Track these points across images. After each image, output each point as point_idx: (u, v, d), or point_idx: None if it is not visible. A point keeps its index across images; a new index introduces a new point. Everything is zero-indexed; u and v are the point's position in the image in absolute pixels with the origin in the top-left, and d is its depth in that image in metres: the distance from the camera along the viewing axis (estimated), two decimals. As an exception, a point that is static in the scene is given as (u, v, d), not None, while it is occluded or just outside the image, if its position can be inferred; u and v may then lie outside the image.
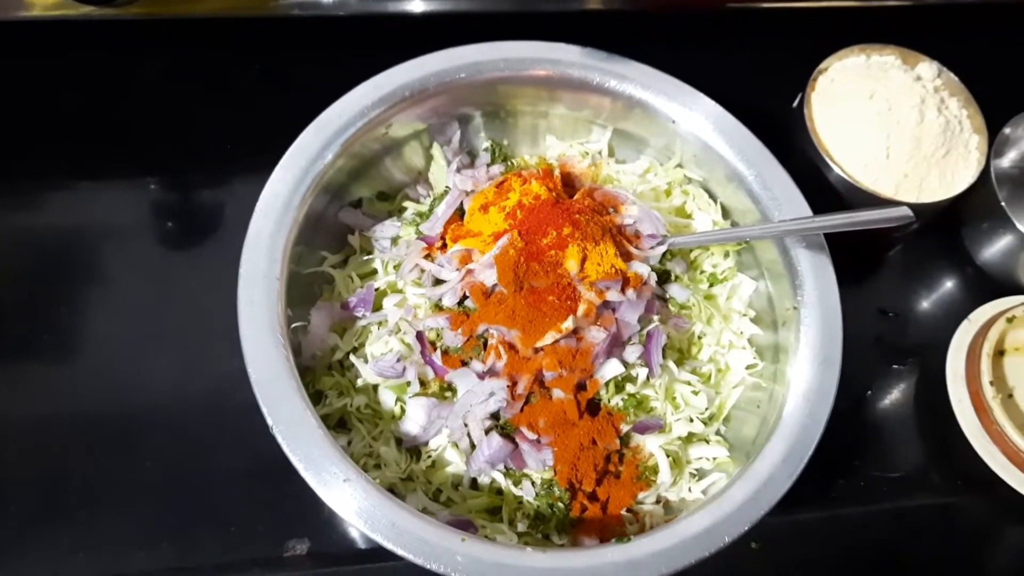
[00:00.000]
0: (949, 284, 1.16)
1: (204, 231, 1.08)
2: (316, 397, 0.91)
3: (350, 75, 0.96)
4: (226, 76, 1.17)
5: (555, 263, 0.87)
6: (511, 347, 0.86)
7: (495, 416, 0.87)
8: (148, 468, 0.93)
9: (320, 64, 1.10)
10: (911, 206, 0.95)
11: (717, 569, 0.81)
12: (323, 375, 0.92)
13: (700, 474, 0.92)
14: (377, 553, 0.76)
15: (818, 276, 0.91)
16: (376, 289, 0.94)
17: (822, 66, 1.13)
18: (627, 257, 0.91)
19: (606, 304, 0.88)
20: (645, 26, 1.24)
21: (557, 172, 0.98)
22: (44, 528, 0.89)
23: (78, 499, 0.90)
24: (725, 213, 1.02)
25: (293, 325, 0.88)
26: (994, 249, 1.12)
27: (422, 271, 0.93)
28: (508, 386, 0.85)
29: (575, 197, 0.95)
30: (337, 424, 0.91)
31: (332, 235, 0.98)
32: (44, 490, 0.91)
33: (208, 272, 0.91)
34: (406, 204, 1.01)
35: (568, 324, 0.85)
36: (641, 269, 0.90)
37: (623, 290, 0.88)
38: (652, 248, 0.94)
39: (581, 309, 0.86)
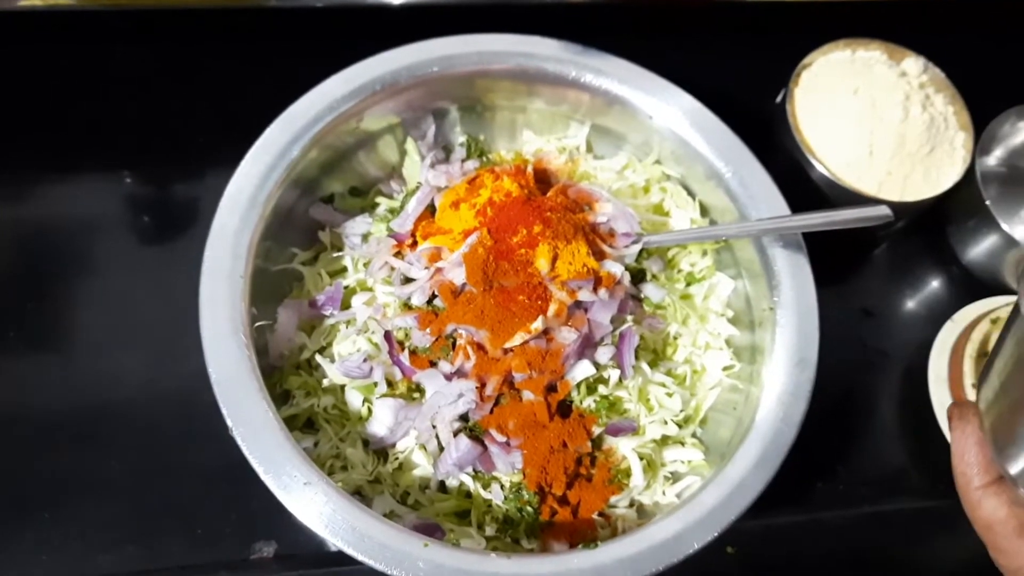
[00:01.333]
0: (934, 284, 1.14)
1: (177, 225, 1.06)
2: (284, 397, 0.89)
3: (329, 67, 0.94)
4: (201, 68, 1.15)
5: (525, 262, 0.85)
6: (480, 348, 0.84)
7: (464, 418, 0.85)
8: (114, 467, 0.91)
9: (299, 56, 1.08)
10: (894, 204, 0.93)
11: (691, 574, 0.79)
12: (290, 375, 0.90)
13: (675, 477, 0.90)
14: (345, 557, 0.74)
15: (795, 276, 0.90)
16: (345, 287, 0.92)
17: (806, 61, 1.11)
18: (600, 256, 0.89)
19: (578, 304, 0.86)
20: (627, 19, 1.22)
21: (530, 168, 0.96)
22: (6, 528, 0.87)
23: (42, 499, 0.89)
24: (704, 211, 1.00)
25: (259, 324, 0.86)
26: (979, 249, 1.10)
27: (391, 269, 0.91)
28: (477, 387, 0.83)
29: (548, 194, 0.93)
30: (305, 425, 0.89)
31: (303, 231, 0.96)
32: (6, 489, 0.89)
33: (179, 267, 0.89)
34: (379, 200, 0.99)
35: (538, 324, 0.83)
36: (614, 268, 0.88)
37: (595, 290, 0.86)
38: (626, 247, 0.92)
39: (552, 309, 0.84)
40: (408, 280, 0.90)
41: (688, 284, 0.98)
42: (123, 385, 0.95)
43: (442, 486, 0.86)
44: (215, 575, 0.87)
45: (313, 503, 0.74)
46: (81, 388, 0.95)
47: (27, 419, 0.93)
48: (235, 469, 0.78)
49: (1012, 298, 1.06)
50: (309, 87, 0.93)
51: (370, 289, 0.92)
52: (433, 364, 0.86)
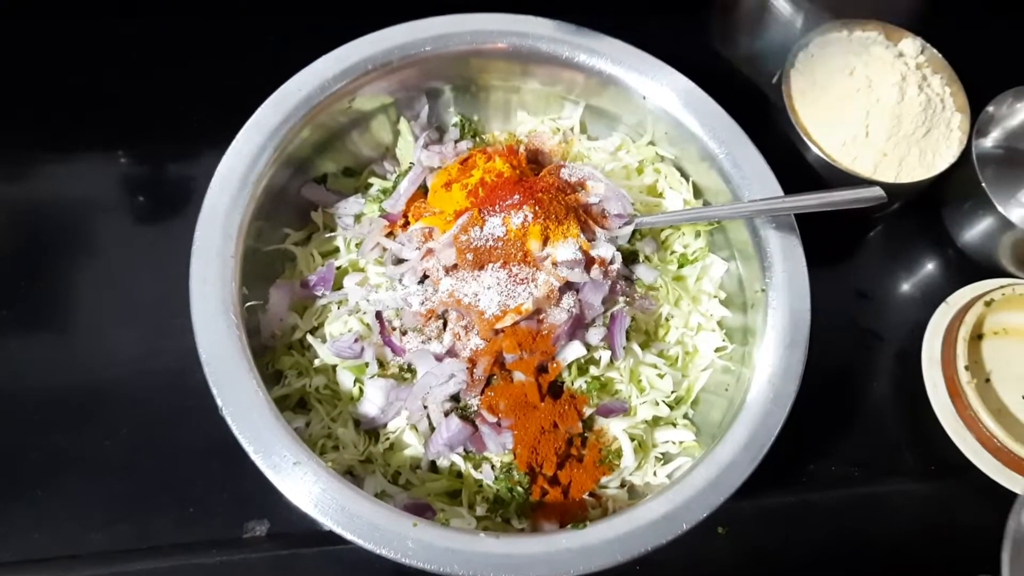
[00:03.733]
0: (928, 266, 1.14)
1: (172, 205, 1.06)
2: (276, 377, 0.89)
3: (322, 46, 0.94)
4: (195, 46, 1.15)
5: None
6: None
7: (455, 398, 0.85)
8: (107, 445, 0.91)
9: (292, 35, 1.08)
10: (889, 186, 0.93)
11: (681, 553, 0.80)
12: (282, 355, 0.90)
13: (666, 458, 0.90)
14: (337, 536, 0.74)
15: (787, 258, 0.89)
16: (337, 267, 0.92)
17: (803, 41, 1.10)
18: (592, 237, 0.88)
19: (568, 285, 0.86)
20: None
21: (522, 149, 0.96)
22: (-1, 506, 0.88)
23: (34, 477, 0.89)
24: (697, 192, 1.00)
25: (251, 304, 0.86)
26: (975, 231, 1.09)
27: (383, 249, 0.91)
28: (468, 368, 0.83)
29: (540, 175, 0.93)
30: (297, 405, 0.89)
31: (295, 211, 0.96)
32: None
33: (173, 246, 0.88)
34: (372, 180, 0.99)
35: (528, 305, 0.83)
36: (606, 249, 0.88)
37: (586, 271, 0.86)
38: (619, 228, 0.91)
39: (542, 290, 0.84)
40: (400, 260, 0.90)
41: (681, 265, 0.98)
42: (117, 364, 0.95)
43: (433, 466, 0.86)
44: (207, 553, 0.87)
45: (303, 483, 0.74)
46: (74, 367, 0.95)
47: (20, 397, 0.93)
48: (228, 448, 0.79)
49: (1006, 280, 1.06)
50: (302, 66, 0.93)
51: (362, 270, 0.92)
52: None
